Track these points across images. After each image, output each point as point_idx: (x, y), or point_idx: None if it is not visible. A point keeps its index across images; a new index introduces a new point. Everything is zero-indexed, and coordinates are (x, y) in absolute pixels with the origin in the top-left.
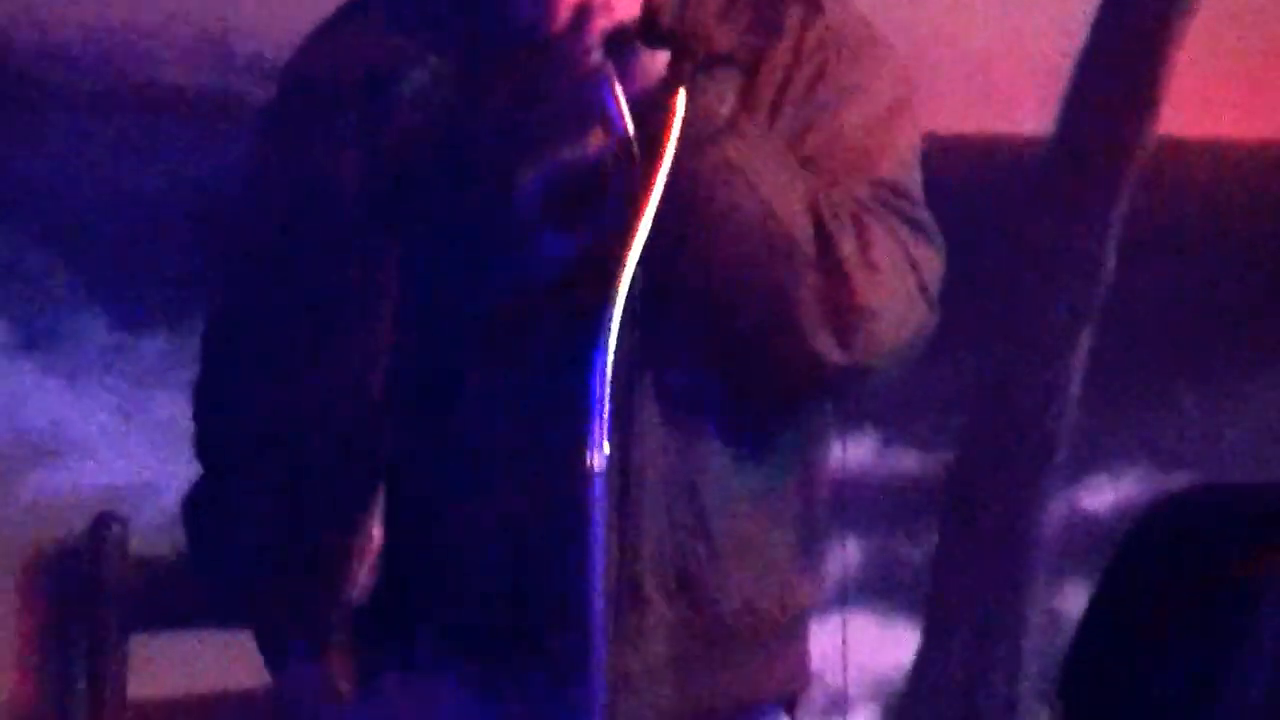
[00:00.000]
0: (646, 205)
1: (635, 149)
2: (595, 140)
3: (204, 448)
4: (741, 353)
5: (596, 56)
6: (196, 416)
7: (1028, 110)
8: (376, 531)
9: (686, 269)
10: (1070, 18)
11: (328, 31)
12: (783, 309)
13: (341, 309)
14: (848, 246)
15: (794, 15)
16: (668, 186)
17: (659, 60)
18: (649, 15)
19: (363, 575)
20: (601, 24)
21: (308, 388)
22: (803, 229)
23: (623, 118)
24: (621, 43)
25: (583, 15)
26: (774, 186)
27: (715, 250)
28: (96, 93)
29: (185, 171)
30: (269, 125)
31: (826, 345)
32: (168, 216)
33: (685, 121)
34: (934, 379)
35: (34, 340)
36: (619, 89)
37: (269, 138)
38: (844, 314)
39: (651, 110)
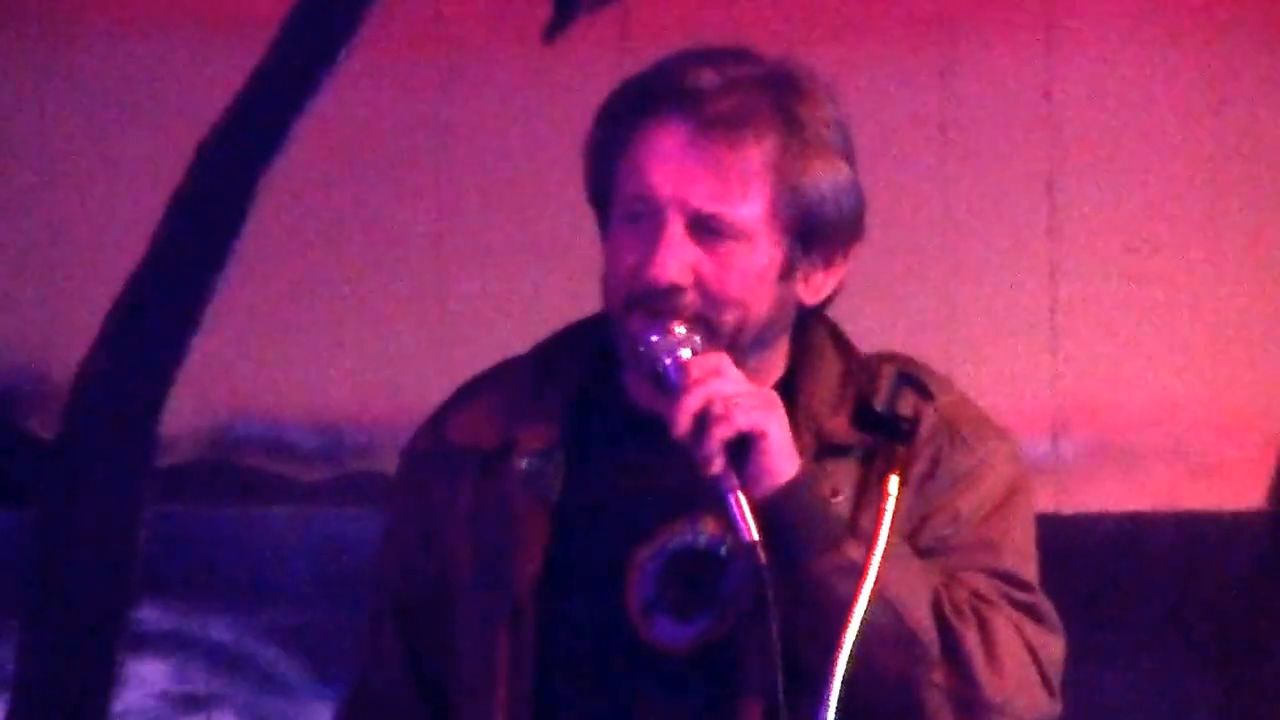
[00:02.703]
0: (855, 607)
1: (761, 554)
2: (709, 527)
3: None
4: None
5: (718, 465)
6: None
7: (1239, 485)
8: None
9: (819, 663)
10: (1278, 393)
11: (446, 410)
12: (908, 704)
13: (458, 690)
14: (971, 642)
15: (905, 404)
16: (791, 586)
17: (784, 463)
18: (862, 399)
19: None
20: (722, 432)
21: None
22: (926, 627)
23: (747, 525)
24: (743, 450)
25: (704, 423)
26: (896, 585)
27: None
28: (317, 484)
29: None
30: (391, 505)
31: None
32: None
33: (805, 523)
34: None
35: None
36: (742, 497)
37: (391, 518)
38: (970, 709)
39: (781, 511)
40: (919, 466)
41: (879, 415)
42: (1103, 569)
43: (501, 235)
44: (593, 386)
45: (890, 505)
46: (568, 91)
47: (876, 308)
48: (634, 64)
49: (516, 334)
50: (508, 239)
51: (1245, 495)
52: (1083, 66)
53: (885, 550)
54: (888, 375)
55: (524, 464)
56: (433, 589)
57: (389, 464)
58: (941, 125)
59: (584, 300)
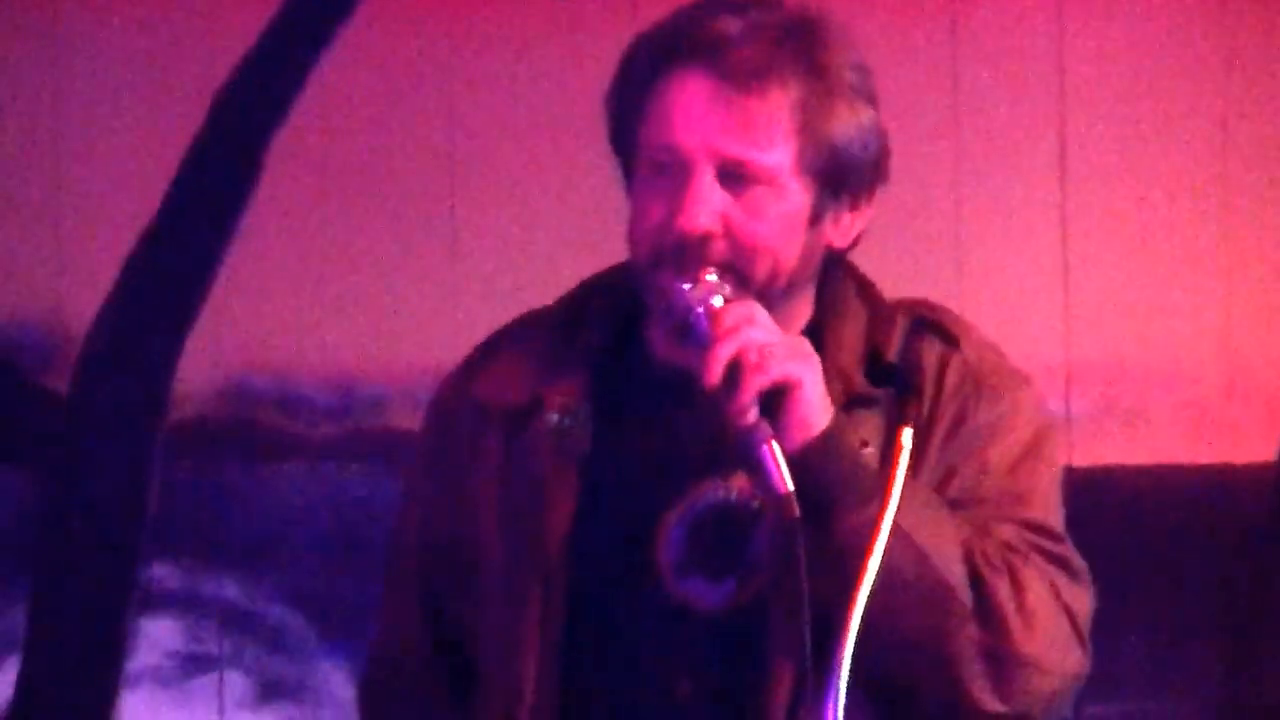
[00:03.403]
0: (869, 561)
1: (795, 507)
2: (739, 483)
3: None
4: (898, 699)
5: (752, 415)
6: None
7: (1249, 441)
8: None
9: (842, 618)
10: None
11: (472, 366)
12: (940, 659)
13: (485, 649)
14: (1003, 594)
15: (930, 352)
16: (822, 539)
17: (818, 415)
18: (874, 350)
19: None
20: (757, 382)
21: None
22: (959, 579)
23: (781, 478)
24: (777, 400)
25: (736, 373)
26: (928, 538)
27: (871, 601)
28: (328, 441)
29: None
30: (415, 462)
31: (985, 695)
32: None
33: (838, 476)
34: (1167, 697)
35: (273, 691)
36: (776, 448)
37: (415, 475)
38: (1002, 663)
39: (815, 463)
40: (945, 419)
41: (891, 366)
42: (1112, 524)
43: (514, 190)
44: (618, 342)
45: (904, 458)
46: (580, 43)
47: (886, 263)
48: (646, 17)
49: (529, 288)
50: (520, 193)
51: (1255, 451)
52: (1094, 19)
53: (915, 502)
54: (901, 324)
55: (552, 421)
56: (458, 546)
57: (401, 421)
58: (952, 80)
59: (597, 255)
